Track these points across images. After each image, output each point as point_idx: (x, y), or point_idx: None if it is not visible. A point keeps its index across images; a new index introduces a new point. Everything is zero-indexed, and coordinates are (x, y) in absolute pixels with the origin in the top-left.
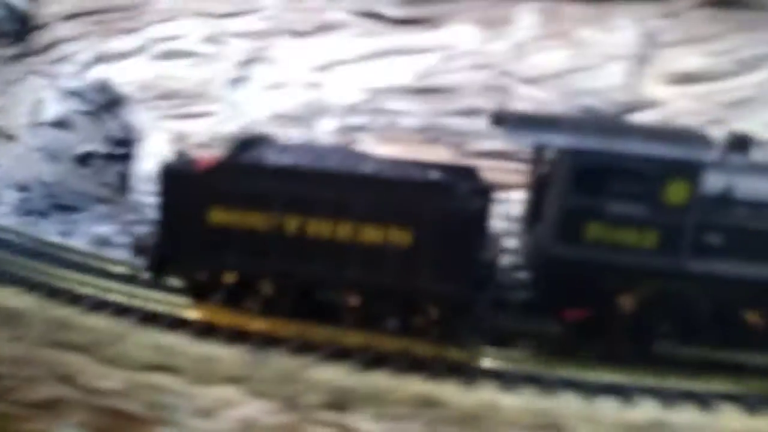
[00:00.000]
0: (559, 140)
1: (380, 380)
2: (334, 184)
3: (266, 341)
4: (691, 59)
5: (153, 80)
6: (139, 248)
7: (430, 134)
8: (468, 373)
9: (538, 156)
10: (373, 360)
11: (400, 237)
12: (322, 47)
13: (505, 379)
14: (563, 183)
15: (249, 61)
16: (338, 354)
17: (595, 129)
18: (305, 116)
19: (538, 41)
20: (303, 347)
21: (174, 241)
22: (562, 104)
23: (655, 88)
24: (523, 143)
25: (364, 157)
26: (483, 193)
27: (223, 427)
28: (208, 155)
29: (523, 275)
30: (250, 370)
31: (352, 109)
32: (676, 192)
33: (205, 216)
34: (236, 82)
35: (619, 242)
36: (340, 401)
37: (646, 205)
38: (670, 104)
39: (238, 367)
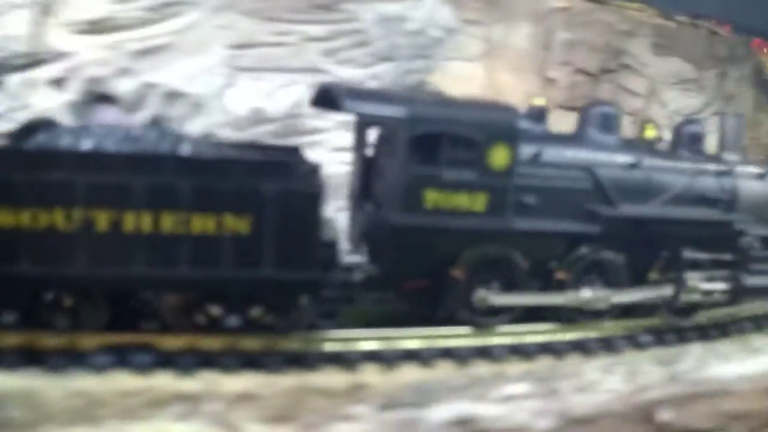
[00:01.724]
0: (395, 110)
1: None
2: (155, 170)
3: None
4: (97, 7)
5: None
6: None
7: None
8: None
9: (360, 134)
10: None
11: (236, 224)
12: None
13: None
14: (401, 152)
15: None
16: None
17: (421, 100)
18: None
19: None
20: None
21: None
22: None
23: (60, 39)
24: (366, 115)
25: (176, 137)
26: (316, 171)
27: None
28: None
29: (357, 254)
30: None
31: None
32: (499, 156)
33: None
34: None
35: (455, 207)
36: None
37: (475, 170)
38: (78, 55)
39: None
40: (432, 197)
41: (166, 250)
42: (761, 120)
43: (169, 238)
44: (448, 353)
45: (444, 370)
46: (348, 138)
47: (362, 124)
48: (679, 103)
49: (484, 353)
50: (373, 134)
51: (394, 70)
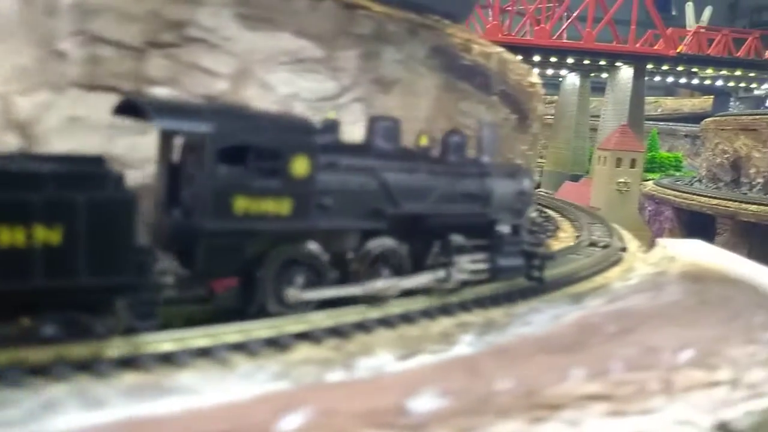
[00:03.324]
0: (202, 126)
1: None
2: None
3: None
4: None
5: None
6: None
7: None
8: None
9: (165, 141)
10: None
11: (47, 236)
12: None
13: None
14: (210, 163)
15: None
16: None
17: (227, 114)
18: None
19: None
20: None
21: None
22: None
23: None
24: (173, 130)
25: None
26: (121, 179)
27: None
28: None
29: (168, 258)
30: None
31: None
32: (300, 165)
33: None
34: None
35: (263, 212)
36: None
37: (279, 179)
38: None
39: None
40: (241, 204)
41: None
42: (452, 108)
43: None
44: None
45: None
46: None
47: (168, 132)
48: (295, 86)
49: None
50: (178, 141)
51: None
